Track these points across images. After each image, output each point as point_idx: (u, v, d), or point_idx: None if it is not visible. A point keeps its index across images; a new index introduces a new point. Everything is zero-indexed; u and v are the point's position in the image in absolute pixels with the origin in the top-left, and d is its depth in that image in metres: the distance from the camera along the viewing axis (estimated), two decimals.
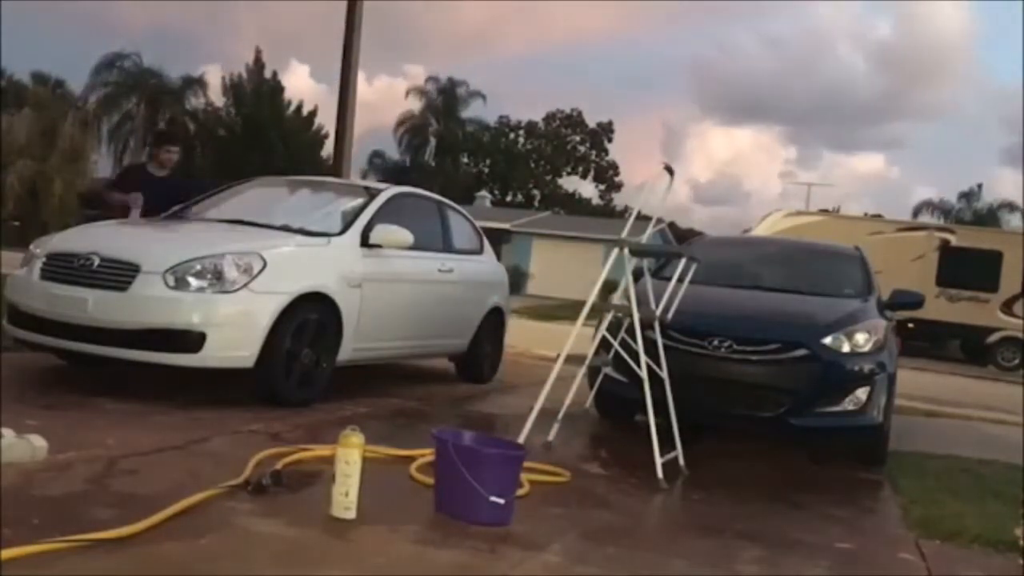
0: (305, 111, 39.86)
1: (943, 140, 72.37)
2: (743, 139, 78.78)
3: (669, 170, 4.96)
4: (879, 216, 29.15)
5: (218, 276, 4.75)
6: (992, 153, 73.17)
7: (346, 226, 5.66)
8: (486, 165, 51.37)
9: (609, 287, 5.47)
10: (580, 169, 54.65)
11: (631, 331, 4.60)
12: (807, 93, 70.43)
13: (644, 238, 5.57)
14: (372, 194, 6.13)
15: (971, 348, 20.84)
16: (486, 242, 7.66)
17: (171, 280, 4.69)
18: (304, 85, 60.53)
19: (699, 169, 72.76)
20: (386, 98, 58.71)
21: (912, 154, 72.86)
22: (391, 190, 6.37)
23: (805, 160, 74.12)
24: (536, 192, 52.87)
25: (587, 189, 54.76)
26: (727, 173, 75.78)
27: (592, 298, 4.79)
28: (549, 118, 54.36)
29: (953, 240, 20.63)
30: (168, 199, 6.27)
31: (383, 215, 5.86)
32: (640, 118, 74.96)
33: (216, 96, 38.69)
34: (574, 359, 4.69)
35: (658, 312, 4.74)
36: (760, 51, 74.23)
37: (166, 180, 6.73)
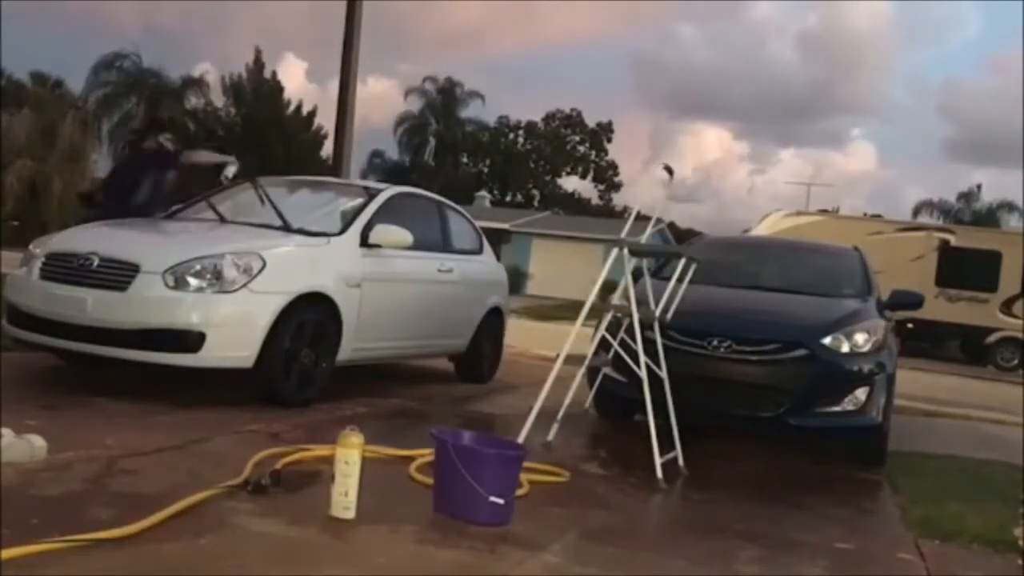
0: (301, 111, 39.89)
1: (886, 133, 74.97)
2: (703, 136, 79.42)
3: (668, 170, 4.96)
4: (879, 216, 29.14)
5: (217, 276, 4.74)
6: (934, 145, 75.71)
7: (346, 226, 5.66)
8: (486, 165, 51.38)
9: (608, 287, 5.46)
10: (580, 169, 54.66)
11: (631, 331, 4.60)
12: (752, 89, 71.85)
13: (643, 238, 5.57)
14: (371, 194, 6.14)
15: (970, 348, 20.84)
16: (485, 242, 7.66)
17: (170, 280, 4.69)
18: (297, 85, 60.64)
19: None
20: (382, 98, 58.81)
21: (859, 148, 75.02)
22: (390, 190, 6.37)
23: (759, 156, 76.53)
24: (535, 192, 52.89)
25: (587, 189, 54.86)
26: (695, 170, 76.22)
27: (592, 298, 4.79)
28: (548, 118, 54.40)
29: (952, 240, 20.64)
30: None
31: (383, 215, 5.86)
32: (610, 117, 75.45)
33: (215, 96, 38.71)
34: (573, 359, 4.69)
35: (657, 312, 4.74)
36: (709, 48, 75.65)
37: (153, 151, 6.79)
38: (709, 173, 75.46)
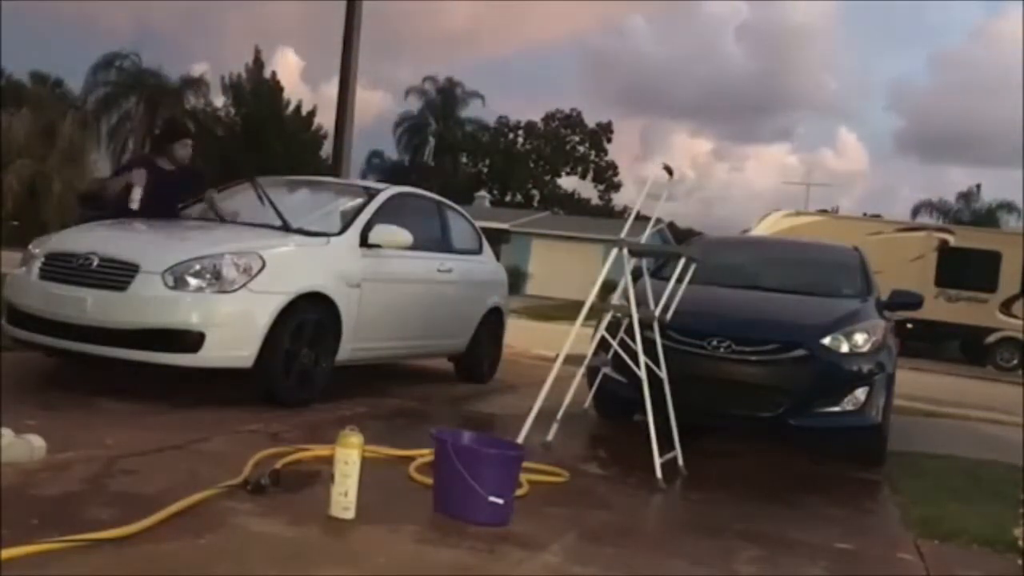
0: (300, 111, 39.86)
1: (837, 128, 76.41)
2: (683, 136, 79.67)
3: (668, 170, 4.96)
4: (878, 216, 29.17)
5: (217, 276, 4.74)
6: (887, 139, 76.88)
7: (345, 226, 5.66)
8: (485, 165, 51.37)
9: (608, 287, 5.46)
10: (579, 169, 54.65)
11: (630, 331, 4.60)
12: (705, 87, 72.38)
13: (643, 238, 5.57)
14: (371, 194, 6.14)
15: (970, 348, 20.85)
16: (485, 242, 7.66)
17: (170, 280, 4.69)
18: (292, 86, 60.63)
19: (640, 166, 73.72)
20: (380, 98, 58.96)
21: (846, 146, 75.89)
22: (390, 190, 6.37)
23: (718, 152, 77.95)
24: (535, 192, 52.87)
25: (586, 189, 54.85)
26: (677, 169, 76.38)
27: (591, 298, 4.79)
28: (548, 118, 54.39)
29: (952, 240, 20.64)
30: (179, 192, 6.02)
31: (382, 215, 5.86)
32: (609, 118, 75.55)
33: (214, 96, 38.69)
34: (573, 359, 4.69)
35: (657, 312, 4.74)
36: (658, 44, 76.20)
37: (176, 173, 6.09)
38: (684, 172, 75.73)
